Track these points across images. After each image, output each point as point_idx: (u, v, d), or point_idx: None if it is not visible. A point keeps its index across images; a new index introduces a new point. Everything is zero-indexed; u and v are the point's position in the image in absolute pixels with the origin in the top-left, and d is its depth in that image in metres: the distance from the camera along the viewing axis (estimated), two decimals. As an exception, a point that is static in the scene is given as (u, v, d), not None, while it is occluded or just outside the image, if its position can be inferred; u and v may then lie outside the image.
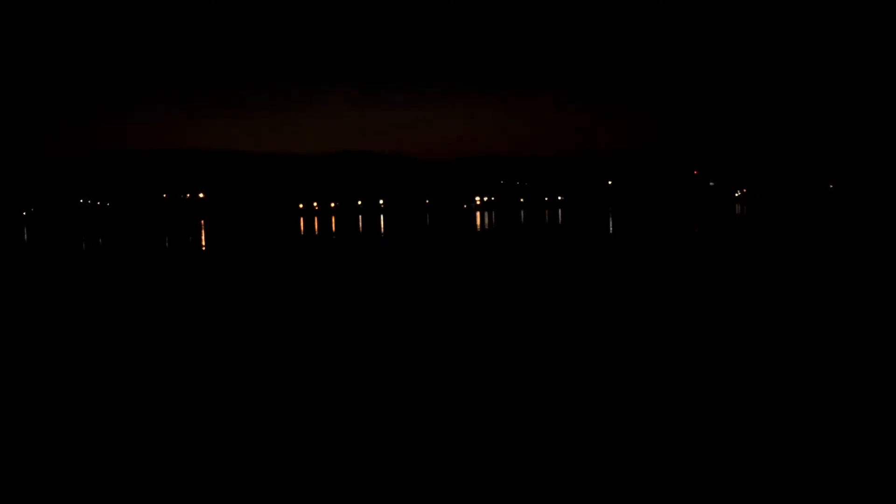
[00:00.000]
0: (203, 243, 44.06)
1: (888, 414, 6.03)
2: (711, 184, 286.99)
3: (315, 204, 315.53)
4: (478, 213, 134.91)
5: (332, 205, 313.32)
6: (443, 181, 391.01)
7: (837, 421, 5.91)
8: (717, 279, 16.45)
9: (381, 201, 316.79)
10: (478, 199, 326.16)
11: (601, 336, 10.10)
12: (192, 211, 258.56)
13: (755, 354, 8.56)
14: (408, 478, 5.21)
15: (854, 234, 31.32)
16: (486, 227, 60.20)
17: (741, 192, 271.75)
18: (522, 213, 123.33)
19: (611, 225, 53.16)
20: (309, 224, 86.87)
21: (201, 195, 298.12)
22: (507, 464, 5.37)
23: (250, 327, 11.84)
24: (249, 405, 7.16)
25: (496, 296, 14.97)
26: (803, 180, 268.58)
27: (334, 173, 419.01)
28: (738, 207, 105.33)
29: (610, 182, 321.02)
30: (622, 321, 11.25)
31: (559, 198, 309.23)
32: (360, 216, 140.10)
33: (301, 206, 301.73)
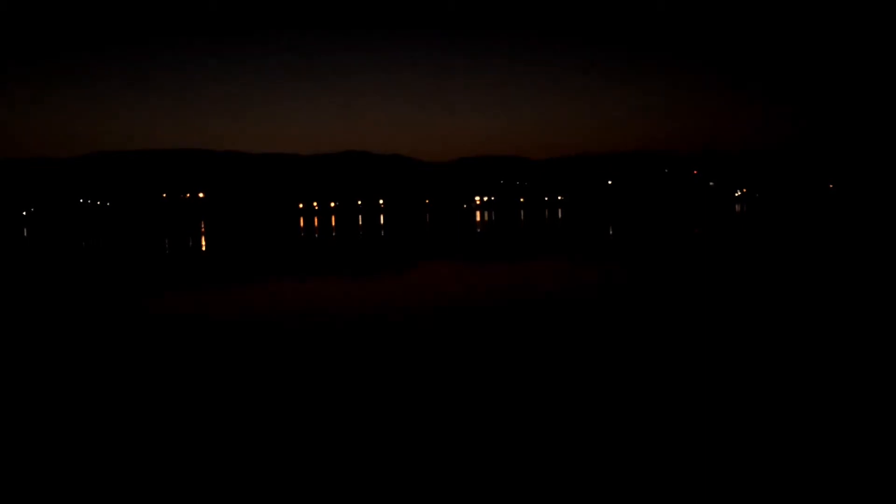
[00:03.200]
0: (196, 245, 44.01)
1: (888, 414, 6.07)
2: (711, 184, 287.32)
3: (315, 204, 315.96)
4: (477, 213, 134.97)
5: (332, 205, 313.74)
6: (443, 181, 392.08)
7: (838, 421, 5.88)
8: (719, 279, 16.41)
9: (381, 201, 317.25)
10: (477, 198, 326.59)
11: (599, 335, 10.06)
12: (191, 211, 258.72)
13: (761, 355, 8.53)
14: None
15: (857, 235, 31.25)
16: (485, 225, 60.22)
17: (741, 192, 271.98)
18: (522, 212, 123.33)
19: (611, 225, 53.06)
20: (308, 224, 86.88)
21: (201, 195, 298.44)
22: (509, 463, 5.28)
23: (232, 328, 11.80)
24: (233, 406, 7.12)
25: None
26: (803, 180, 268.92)
27: (334, 173, 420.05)
28: (738, 207, 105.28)
29: (610, 182, 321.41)
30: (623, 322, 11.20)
31: (559, 198, 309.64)
32: (360, 216, 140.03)
33: (301, 205, 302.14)
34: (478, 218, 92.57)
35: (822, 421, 5.83)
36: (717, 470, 4.97)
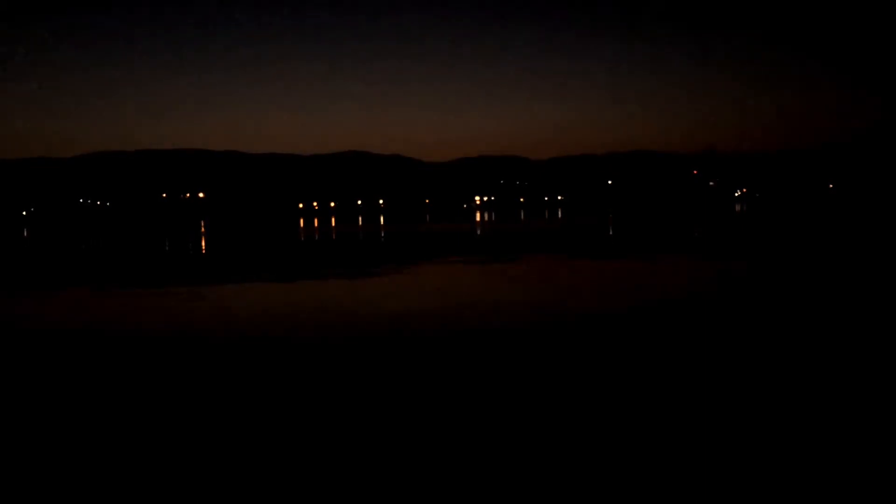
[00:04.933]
0: (195, 244, 43.91)
1: (889, 414, 6.03)
2: (711, 183, 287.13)
3: (315, 204, 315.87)
4: (477, 213, 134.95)
5: (332, 205, 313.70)
6: (443, 181, 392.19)
7: (839, 422, 5.84)
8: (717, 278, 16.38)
9: (381, 201, 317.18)
10: (477, 198, 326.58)
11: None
12: (191, 211, 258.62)
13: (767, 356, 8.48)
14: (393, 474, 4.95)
15: (859, 235, 31.18)
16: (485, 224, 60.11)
17: (741, 191, 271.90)
18: (522, 212, 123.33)
19: (611, 224, 52.96)
20: (308, 224, 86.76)
21: (201, 195, 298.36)
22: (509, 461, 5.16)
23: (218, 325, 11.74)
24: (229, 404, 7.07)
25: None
26: (802, 180, 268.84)
27: (334, 173, 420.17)
28: (738, 207, 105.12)
29: (610, 182, 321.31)
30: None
31: (559, 198, 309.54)
32: (360, 216, 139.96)
33: (301, 205, 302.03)
34: (478, 218, 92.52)
35: (830, 422, 5.78)
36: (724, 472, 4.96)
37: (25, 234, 77.53)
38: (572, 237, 37.46)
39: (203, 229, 72.98)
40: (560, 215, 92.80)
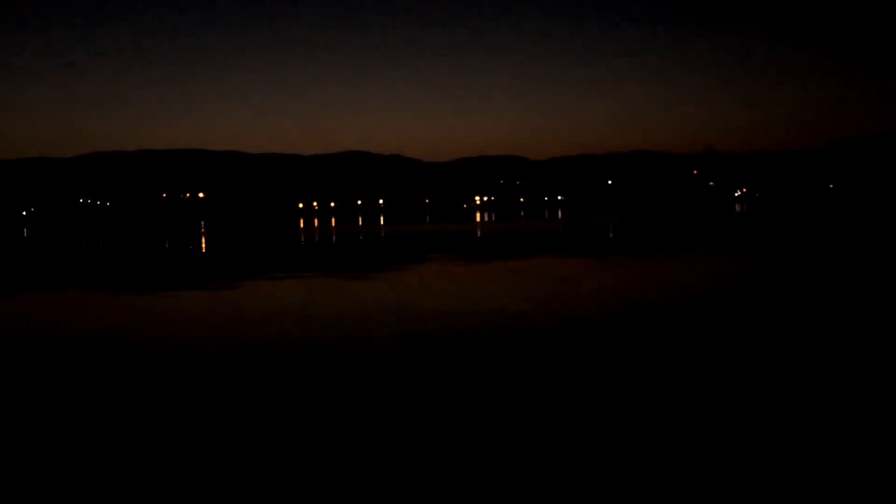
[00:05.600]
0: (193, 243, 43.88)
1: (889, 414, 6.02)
2: (711, 183, 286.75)
3: (315, 204, 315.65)
4: (477, 213, 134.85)
5: (332, 205, 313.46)
6: (443, 181, 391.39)
7: (839, 422, 5.83)
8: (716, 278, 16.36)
9: (381, 201, 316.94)
10: (477, 198, 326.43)
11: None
12: (191, 211, 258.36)
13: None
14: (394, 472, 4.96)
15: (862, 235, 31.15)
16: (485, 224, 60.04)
17: (741, 191, 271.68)
18: (522, 212, 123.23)
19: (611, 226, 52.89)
20: (308, 224, 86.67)
21: (201, 195, 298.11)
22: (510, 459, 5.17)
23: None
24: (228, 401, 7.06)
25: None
26: (803, 180, 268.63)
27: (334, 173, 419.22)
28: (738, 207, 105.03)
29: (609, 182, 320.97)
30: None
31: (559, 197, 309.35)
32: (360, 216, 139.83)
33: (301, 205, 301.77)
34: (478, 218, 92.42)
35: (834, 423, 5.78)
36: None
37: (25, 233, 77.48)
38: (575, 238, 37.43)
39: (203, 229, 72.88)
40: (560, 215, 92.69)
